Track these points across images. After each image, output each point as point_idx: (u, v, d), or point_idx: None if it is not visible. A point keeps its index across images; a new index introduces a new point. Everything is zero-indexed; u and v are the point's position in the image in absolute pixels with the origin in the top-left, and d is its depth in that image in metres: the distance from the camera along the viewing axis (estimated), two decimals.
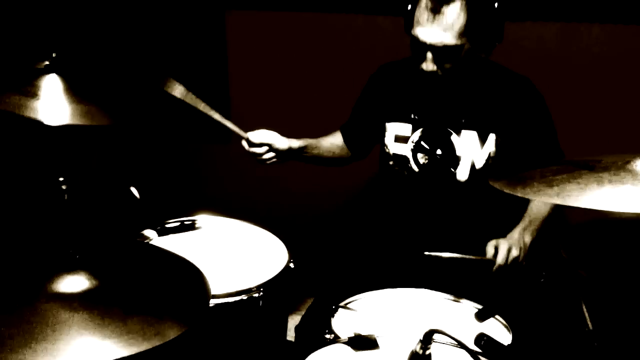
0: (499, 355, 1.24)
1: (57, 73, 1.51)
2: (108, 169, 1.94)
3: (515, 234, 1.77)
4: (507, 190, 0.98)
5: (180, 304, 1.28)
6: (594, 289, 1.29)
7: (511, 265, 1.69)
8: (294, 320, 1.89)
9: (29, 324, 1.10)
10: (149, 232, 1.80)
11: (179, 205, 1.94)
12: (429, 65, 1.75)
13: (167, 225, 1.84)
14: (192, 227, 1.87)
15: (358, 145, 2.10)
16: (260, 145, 1.86)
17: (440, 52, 1.72)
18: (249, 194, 2.84)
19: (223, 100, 2.81)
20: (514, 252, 1.70)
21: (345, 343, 1.25)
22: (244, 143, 1.87)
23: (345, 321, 1.50)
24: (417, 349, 0.94)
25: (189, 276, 1.42)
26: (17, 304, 1.16)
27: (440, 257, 1.64)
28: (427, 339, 0.97)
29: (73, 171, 1.58)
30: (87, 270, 1.29)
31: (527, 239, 1.76)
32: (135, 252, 1.45)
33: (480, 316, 1.35)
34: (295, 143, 1.93)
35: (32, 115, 1.40)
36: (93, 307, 1.18)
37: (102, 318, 1.15)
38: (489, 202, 1.87)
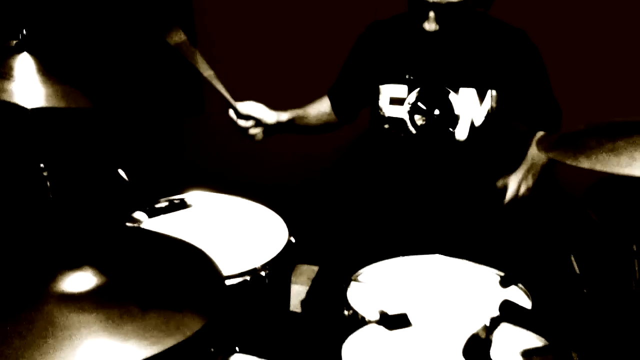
0: (521, 320, 1.24)
1: (28, 52, 1.38)
2: (93, 152, 1.82)
3: (520, 173, 1.74)
4: (570, 162, 0.92)
5: (195, 292, 1.20)
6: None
7: (521, 200, 1.68)
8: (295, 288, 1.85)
9: (38, 331, 1.00)
10: (139, 215, 1.70)
11: (167, 183, 1.84)
12: (431, 25, 1.68)
13: (156, 206, 1.76)
14: (182, 205, 1.78)
15: (348, 110, 2.02)
16: (248, 118, 1.77)
17: (444, 10, 1.65)
18: (235, 165, 2.71)
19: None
20: (523, 187, 1.69)
21: (377, 323, 1.22)
22: (232, 113, 1.77)
23: (360, 295, 1.45)
24: (481, 333, 0.90)
25: (197, 261, 1.34)
26: (20, 309, 1.05)
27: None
28: (494, 324, 0.93)
29: (55, 156, 1.47)
30: (93, 266, 1.19)
31: (530, 181, 1.74)
32: (138, 240, 1.36)
33: (504, 283, 1.34)
34: (283, 116, 1.83)
35: (6, 97, 1.28)
36: (106, 306, 1.09)
37: (119, 316, 1.05)
38: (489, 159, 1.85)
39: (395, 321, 1.16)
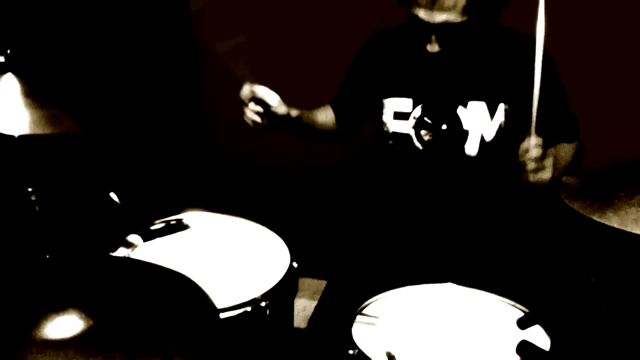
0: None
1: (13, 73, 1.30)
2: (83, 175, 1.74)
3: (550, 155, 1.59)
4: (597, 219, 0.84)
5: (187, 335, 1.13)
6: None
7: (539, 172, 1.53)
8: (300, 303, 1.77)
9: None
10: (134, 238, 1.62)
11: (163, 204, 1.76)
12: (434, 47, 1.60)
13: (152, 228, 1.68)
14: (180, 227, 1.70)
15: (350, 123, 1.94)
16: (259, 103, 1.67)
17: (446, 31, 1.57)
18: (235, 182, 2.64)
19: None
20: (549, 165, 1.52)
21: None
22: (245, 92, 1.66)
23: (366, 332, 1.36)
24: None
25: (191, 298, 1.26)
26: None
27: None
28: None
29: (43, 180, 1.39)
30: (79, 308, 1.12)
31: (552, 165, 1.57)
32: (126, 274, 1.27)
33: (521, 325, 1.25)
34: (293, 112, 1.73)
35: None
36: (93, 354, 1.02)
37: None
38: (501, 176, 1.75)
39: None
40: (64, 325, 1.03)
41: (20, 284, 1.14)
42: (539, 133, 1.71)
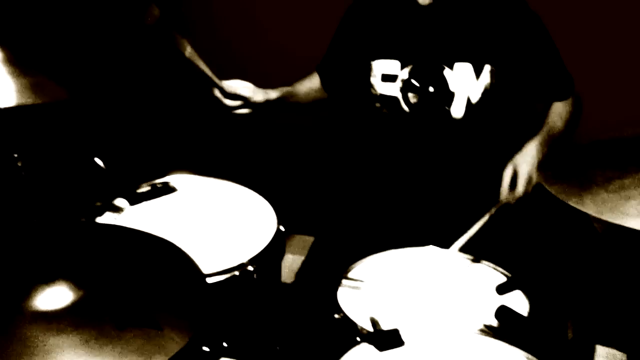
0: (518, 327, 1.20)
1: None
2: (68, 141, 1.72)
3: (533, 148, 1.64)
4: (574, 204, 0.84)
5: (176, 303, 1.15)
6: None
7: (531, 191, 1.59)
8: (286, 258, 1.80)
9: (13, 356, 0.95)
10: (120, 202, 1.63)
11: (149, 168, 1.76)
12: None
13: (139, 191, 1.68)
14: (166, 190, 1.71)
15: (338, 87, 1.92)
16: (235, 97, 1.68)
17: None
18: (221, 147, 2.62)
19: None
20: (534, 177, 1.58)
21: (368, 341, 1.17)
22: (217, 93, 1.68)
23: (351, 296, 1.40)
24: None
25: (178, 265, 1.27)
26: None
27: (468, 240, 1.52)
28: None
29: (29, 146, 1.38)
30: (68, 279, 1.13)
31: (540, 155, 1.63)
32: (113, 242, 1.28)
33: (500, 291, 1.29)
34: (272, 94, 1.74)
35: None
36: (84, 325, 1.03)
37: (95, 338, 1.00)
38: (488, 138, 1.77)
39: (386, 340, 1.11)
40: (54, 297, 1.04)
41: (9, 255, 1.15)
42: (532, 95, 1.72)
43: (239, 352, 1.41)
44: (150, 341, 1.01)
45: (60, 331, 0.99)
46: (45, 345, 0.97)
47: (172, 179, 1.76)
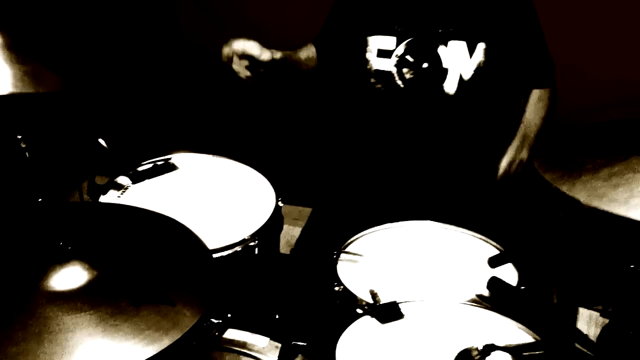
0: (508, 296, 1.27)
1: None
2: (71, 121, 1.74)
3: (513, 150, 1.75)
4: (566, 190, 0.88)
5: (185, 280, 1.20)
6: None
7: (513, 174, 1.70)
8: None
9: (33, 336, 0.99)
10: (123, 180, 1.67)
11: (152, 147, 1.78)
12: None
13: (140, 169, 1.71)
14: (167, 168, 1.74)
15: (333, 62, 1.94)
16: (243, 57, 1.69)
17: None
18: (219, 124, 2.63)
19: None
20: (516, 164, 1.70)
21: (370, 314, 1.24)
22: (226, 50, 1.68)
23: (350, 269, 1.46)
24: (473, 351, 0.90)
25: (185, 243, 1.32)
26: (12, 312, 1.03)
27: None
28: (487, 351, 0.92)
29: (32, 128, 1.40)
30: (83, 259, 1.17)
31: (524, 154, 1.75)
32: (122, 221, 1.32)
33: (493, 263, 1.35)
34: (277, 54, 1.75)
35: None
36: (99, 304, 1.07)
37: (113, 315, 1.05)
38: (478, 115, 1.81)
39: (386, 313, 1.18)
40: (70, 277, 1.09)
41: (24, 236, 1.19)
42: (515, 76, 1.77)
43: (242, 322, 1.48)
44: (165, 317, 1.06)
45: (77, 310, 1.04)
46: (63, 324, 1.01)
47: (173, 157, 1.80)
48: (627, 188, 0.85)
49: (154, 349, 1.01)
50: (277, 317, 1.73)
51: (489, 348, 0.83)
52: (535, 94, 1.82)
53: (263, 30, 1.97)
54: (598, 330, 2.07)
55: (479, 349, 0.83)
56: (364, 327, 1.24)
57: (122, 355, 0.98)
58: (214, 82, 1.77)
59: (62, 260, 1.12)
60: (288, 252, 2.15)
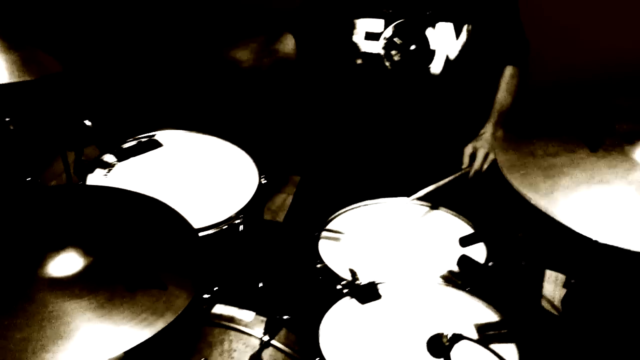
0: (476, 273, 1.36)
1: None
2: (58, 104, 1.74)
3: (488, 132, 1.81)
4: (506, 174, 0.96)
5: (175, 263, 1.25)
6: None
7: (487, 168, 1.76)
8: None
9: (35, 322, 1.04)
10: (109, 158, 1.70)
11: (136, 124, 1.81)
12: None
13: (125, 146, 1.74)
14: (152, 145, 1.77)
15: (318, 45, 1.93)
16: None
17: None
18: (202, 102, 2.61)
19: None
20: (490, 156, 1.76)
21: (350, 296, 1.32)
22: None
23: (331, 247, 1.53)
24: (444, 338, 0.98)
25: (173, 225, 1.36)
26: (14, 300, 1.08)
27: (425, 194, 1.66)
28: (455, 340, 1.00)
29: (20, 111, 1.43)
30: (77, 245, 1.21)
31: (499, 133, 1.81)
32: (110, 204, 1.35)
33: (464, 242, 1.44)
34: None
35: None
36: (96, 290, 1.13)
37: (109, 300, 1.11)
38: (461, 94, 1.88)
39: (365, 293, 1.28)
40: (66, 263, 1.14)
41: (18, 224, 1.23)
42: (491, 54, 1.82)
43: (228, 293, 1.55)
44: (158, 300, 1.12)
45: (75, 296, 1.09)
46: (62, 309, 1.06)
47: (157, 135, 1.83)
48: (555, 180, 0.95)
49: (150, 332, 1.08)
50: (260, 285, 1.81)
51: (457, 337, 0.92)
52: (509, 71, 1.90)
53: None
54: (564, 292, 2.21)
55: (449, 337, 0.91)
56: (344, 307, 1.33)
57: (120, 338, 1.05)
58: (198, 61, 1.79)
59: (58, 247, 1.17)
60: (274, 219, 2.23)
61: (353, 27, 1.82)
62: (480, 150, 1.76)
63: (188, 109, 2.44)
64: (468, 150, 1.78)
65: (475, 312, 1.33)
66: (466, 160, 1.76)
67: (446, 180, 1.69)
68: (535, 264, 1.91)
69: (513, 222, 1.45)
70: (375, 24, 1.80)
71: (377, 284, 1.35)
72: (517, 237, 1.34)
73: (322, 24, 1.91)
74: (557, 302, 2.11)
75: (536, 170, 0.97)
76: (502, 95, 1.86)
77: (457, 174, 1.72)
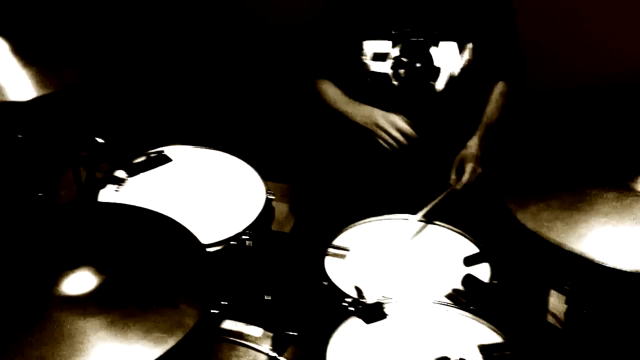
0: (481, 292, 1.38)
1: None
2: (70, 121, 1.78)
3: (474, 145, 1.85)
4: (520, 218, 1.00)
5: (185, 281, 1.26)
6: None
7: (475, 181, 1.79)
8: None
9: (50, 340, 1.06)
10: (120, 173, 1.73)
11: (146, 140, 1.84)
12: None
13: (135, 161, 1.77)
14: (162, 160, 1.80)
15: (329, 64, 1.96)
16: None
17: None
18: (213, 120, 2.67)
19: None
20: (478, 170, 1.80)
21: (356, 315, 1.34)
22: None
23: (337, 265, 1.55)
24: None
25: (183, 243, 1.37)
26: (30, 318, 1.10)
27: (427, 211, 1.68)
28: None
29: (32, 128, 1.46)
30: (90, 264, 1.23)
31: (484, 145, 1.86)
32: (122, 222, 1.38)
33: (468, 262, 1.46)
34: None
35: None
36: (109, 308, 1.16)
37: (121, 319, 1.13)
38: (465, 108, 1.93)
39: (371, 313, 1.30)
40: (80, 282, 1.16)
41: (33, 243, 1.25)
42: (486, 70, 1.87)
43: (235, 307, 1.57)
44: (169, 318, 1.14)
45: (88, 314, 1.11)
46: (77, 327, 1.08)
47: (166, 150, 1.86)
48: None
49: (161, 350, 1.11)
50: (267, 298, 1.84)
51: None
52: (499, 86, 1.95)
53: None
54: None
55: None
56: (350, 326, 1.35)
57: (133, 356, 1.07)
58: (205, 76, 1.82)
59: (72, 266, 1.20)
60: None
61: (361, 48, 1.87)
62: (468, 164, 1.79)
63: (193, 122, 2.48)
64: (455, 164, 1.82)
65: (480, 332, 1.35)
66: (453, 175, 1.80)
67: (441, 196, 1.72)
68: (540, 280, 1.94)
69: (516, 242, 1.48)
70: (382, 46, 1.86)
71: (383, 303, 1.37)
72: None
73: (332, 45, 1.94)
74: (562, 316, 2.14)
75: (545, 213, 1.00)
76: (491, 109, 1.92)
77: (448, 190, 1.75)
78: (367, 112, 1.86)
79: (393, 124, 1.80)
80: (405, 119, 1.81)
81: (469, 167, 1.78)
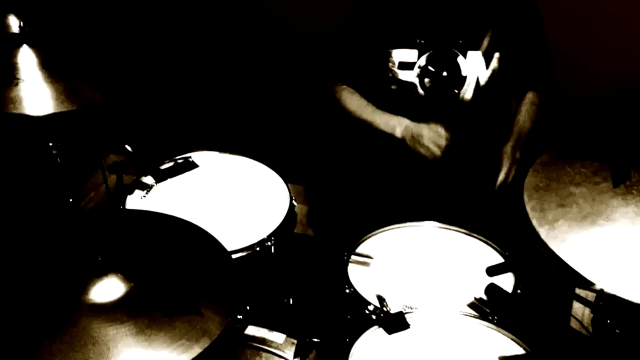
0: (504, 302, 1.38)
1: (29, 45, 1.35)
2: (98, 128, 1.83)
3: (509, 150, 1.82)
4: (532, 217, 1.01)
5: (209, 288, 1.28)
6: None
7: (510, 182, 1.78)
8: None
9: (79, 347, 1.09)
10: (147, 179, 1.77)
11: (172, 147, 1.88)
12: None
13: (162, 167, 1.80)
14: (189, 166, 1.83)
15: (354, 73, 1.95)
16: None
17: None
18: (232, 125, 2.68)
19: None
20: (512, 171, 1.78)
21: (378, 325, 1.34)
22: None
23: (360, 272, 1.56)
24: None
25: (208, 250, 1.40)
26: (59, 324, 1.13)
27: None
28: None
29: (62, 135, 1.50)
30: (118, 272, 1.26)
31: (519, 155, 1.83)
32: (148, 229, 1.40)
33: (491, 272, 1.46)
34: None
35: (15, 109, 1.28)
36: (136, 315, 1.18)
37: (148, 326, 1.15)
38: (492, 118, 1.91)
39: (393, 323, 1.31)
40: (108, 289, 1.19)
41: (62, 250, 1.29)
42: (520, 80, 1.85)
43: (259, 312, 1.59)
44: (195, 326, 1.16)
45: (116, 321, 1.14)
46: (105, 335, 1.11)
47: (193, 156, 1.88)
48: (564, 211, 0.98)
49: (187, 357, 1.13)
50: (290, 302, 1.85)
51: None
52: (530, 96, 1.92)
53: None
54: None
55: None
56: (373, 334, 1.36)
57: None
58: (229, 82, 1.84)
59: (100, 273, 1.22)
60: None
61: (388, 56, 1.86)
62: (504, 165, 1.78)
63: (214, 126, 2.51)
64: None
65: (502, 343, 1.34)
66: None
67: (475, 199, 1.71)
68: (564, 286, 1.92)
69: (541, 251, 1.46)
70: (409, 54, 1.85)
71: (406, 313, 1.37)
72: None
73: (357, 52, 1.94)
74: (586, 322, 2.11)
75: (554, 197, 1.01)
76: (522, 118, 1.89)
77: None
78: (396, 122, 1.84)
79: (439, 134, 1.78)
80: (444, 127, 1.79)
81: (507, 164, 1.77)
